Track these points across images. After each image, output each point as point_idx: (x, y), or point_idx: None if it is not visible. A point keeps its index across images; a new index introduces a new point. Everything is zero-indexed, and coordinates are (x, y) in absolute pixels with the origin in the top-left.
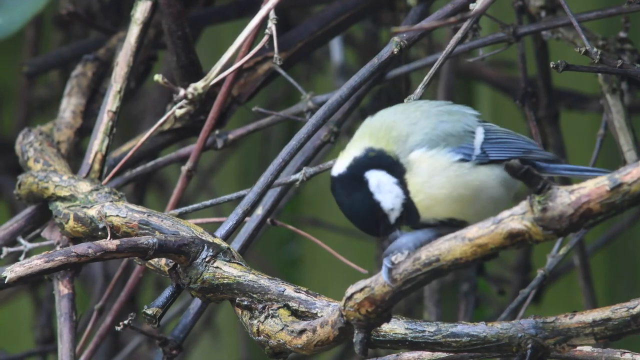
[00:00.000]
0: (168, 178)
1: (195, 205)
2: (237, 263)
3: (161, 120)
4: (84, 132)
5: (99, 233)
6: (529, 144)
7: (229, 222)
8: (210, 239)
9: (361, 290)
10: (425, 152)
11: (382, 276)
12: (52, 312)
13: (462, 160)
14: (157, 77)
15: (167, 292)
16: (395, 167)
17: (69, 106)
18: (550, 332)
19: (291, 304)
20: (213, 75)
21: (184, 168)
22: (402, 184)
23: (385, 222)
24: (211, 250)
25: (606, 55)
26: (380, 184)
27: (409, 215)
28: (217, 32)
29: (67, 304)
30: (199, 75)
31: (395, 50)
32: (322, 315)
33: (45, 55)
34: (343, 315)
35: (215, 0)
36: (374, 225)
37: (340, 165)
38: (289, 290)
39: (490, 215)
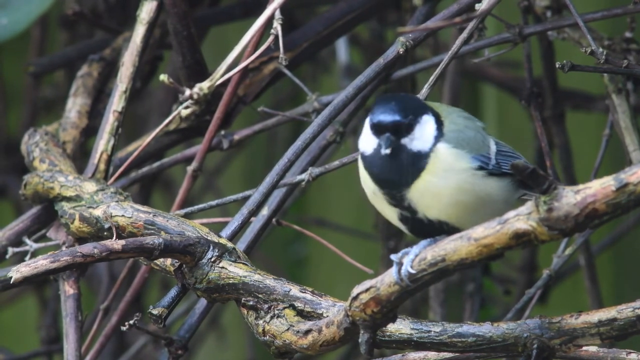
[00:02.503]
0: (174, 178)
1: (200, 206)
2: (243, 263)
3: (167, 121)
4: (89, 132)
5: (105, 233)
6: (527, 163)
7: (234, 222)
8: (215, 239)
9: (367, 290)
10: (450, 148)
11: (388, 276)
12: (58, 312)
13: (478, 167)
14: (163, 77)
15: (172, 292)
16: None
17: (75, 106)
18: (556, 332)
19: (297, 304)
20: (218, 75)
21: (190, 168)
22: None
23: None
24: (217, 250)
25: (612, 56)
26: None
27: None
28: (223, 32)
29: (73, 304)
30: (204, 75)
31: (401, 51)
32: (327, 316)
33: (50, 55)
34: (349, 316)
35: (221, 0)
36: None
37: None
38: (295, 290)
39: None
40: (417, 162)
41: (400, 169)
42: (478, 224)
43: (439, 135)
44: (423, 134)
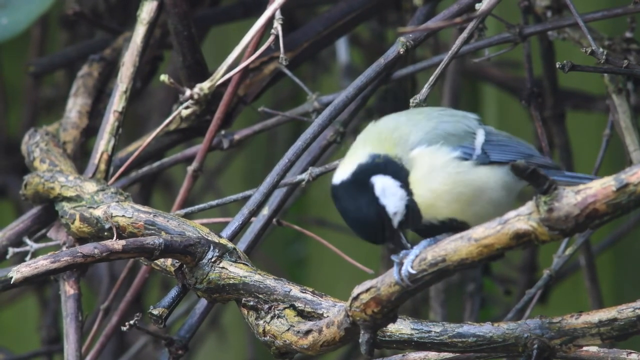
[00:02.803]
0: (174, 178)
1: (201, 206)
2: (243, 263)
3: (167, 121)
4: (90, 132)
5: (105, 233)
6: (529, 149)
7: (235, 223)
8: (216, 239)
9: (367, 290)
10: (424, 148)
11: (389, 276)
12: (58, 312)
13: (461, 158)
14: (163, 77)
15: (173, 292)
16: (400, 171)
17: (75, 106)
18: (557, 333)
19: (297, 304)
20: (219, 76)
21: (190, 168)
22: (406, 185)
23: (389, 227)
24: (217, 250)
25: (612, 56)
26: (385, 187)
27: (412, 216)
28: (223, 32)
29: (73, 304)
30: (205, 75)
31: (402, 51)
32: (328, 316)
33: (51, 55)
34: (349, 316)
35: (222, 0)
36: (379, 231)
37: (342, 172)
38: (295, 290)
39: (491, 218)
40: (410, 204)
41: (411, 218)
42: (484, 215)
43: (399, 170)
44: (385, 189)
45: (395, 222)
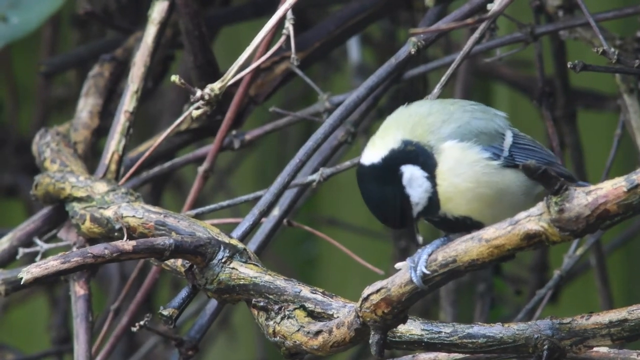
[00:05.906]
0: (185, 178)
1: (212, 206)
2: (254, 264)
3: (178, 121)
4: (101, 132)
5: (116, 234)
6: (550, 157)
7: (245, 223)
8: (226, 239)
9: (377, 291)
10: (456, 143)
11: (399, 277)
12: (68, 312)
13: (490, 159)
14: (174, 78)
15: (183, 292)
16: (429, 161)
17: (86, 106)
18: (567, 333)
19: (307, 305)
20: (230, 76)
21: (201, 168)
22: (432, 177)
23: (408, 215)
24: (227, 251)
25: (624, 55)
26: (413, 178)
27: (431, 207)
28: (235, 32)
29: (83, 304)
30: (216, 75)
31: (413, 51)
32: (338, 316)
33: (62, 55)
34: (359, 316)
35: (233, 0)
36: (397, 217)
37: (372, 154)
38: (305, 291)
39: None
40: (433, 196)
41: (430, 209)
42: (501, 217)
43: (428, 160)
44: (413, 180)
45: (415, 212)
